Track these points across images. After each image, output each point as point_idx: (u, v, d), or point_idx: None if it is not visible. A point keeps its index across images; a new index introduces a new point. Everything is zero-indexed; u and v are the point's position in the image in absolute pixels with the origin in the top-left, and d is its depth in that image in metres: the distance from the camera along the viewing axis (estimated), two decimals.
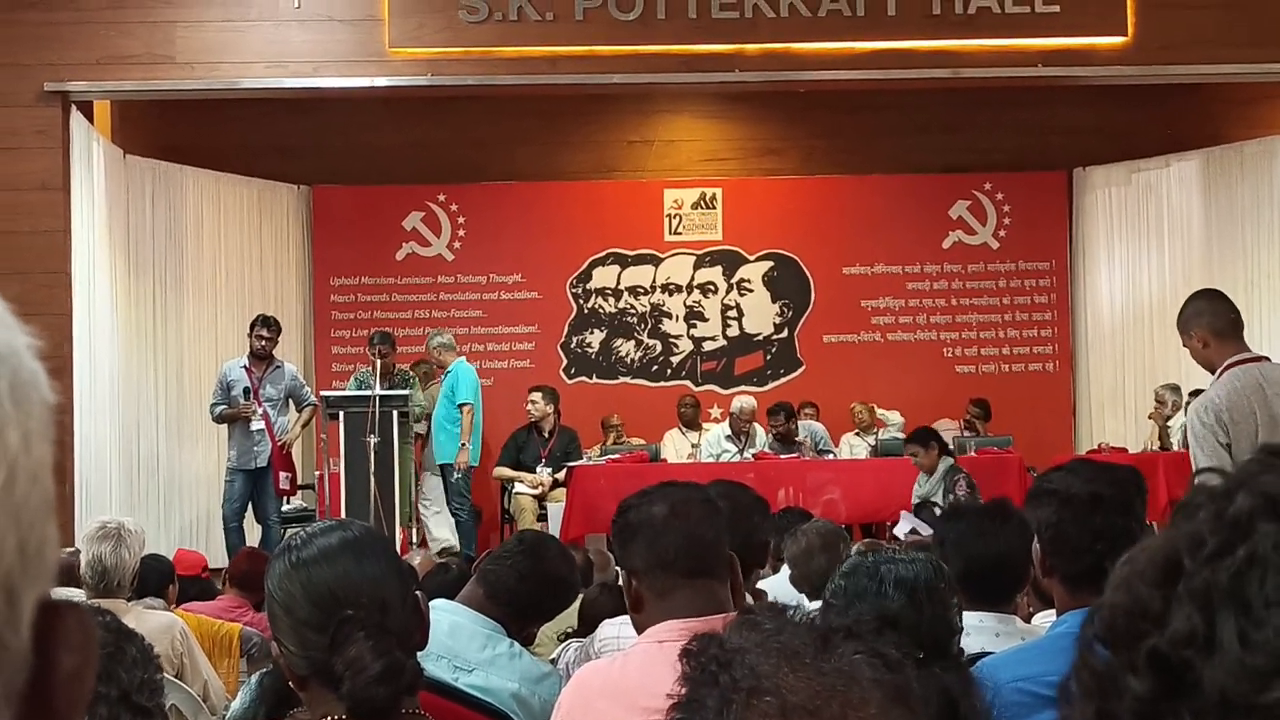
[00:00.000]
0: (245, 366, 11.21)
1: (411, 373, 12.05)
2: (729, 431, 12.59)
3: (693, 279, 14.56)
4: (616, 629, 4.17)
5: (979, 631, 3.69)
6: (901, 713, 1.26)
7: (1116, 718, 0.90)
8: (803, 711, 1.23)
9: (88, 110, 11.45)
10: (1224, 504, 0.90)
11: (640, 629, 2.85)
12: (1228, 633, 0.85)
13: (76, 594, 5.50)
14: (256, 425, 10.98)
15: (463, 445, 11.57)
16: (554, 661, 4.52)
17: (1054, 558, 3.14)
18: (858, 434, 13.24)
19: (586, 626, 5.10)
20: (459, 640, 3.72)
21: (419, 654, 2.27)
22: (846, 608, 2.60)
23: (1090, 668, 0.94)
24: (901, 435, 13.05)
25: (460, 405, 11.56)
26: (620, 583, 3.06)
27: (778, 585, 5.26)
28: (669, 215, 14.48)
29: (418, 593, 2.30)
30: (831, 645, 1.29)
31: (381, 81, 11.34)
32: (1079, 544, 3.09)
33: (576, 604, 5.10)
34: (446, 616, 3.79)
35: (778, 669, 1.26)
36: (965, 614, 3.75)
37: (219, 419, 11.32)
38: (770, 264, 14.57)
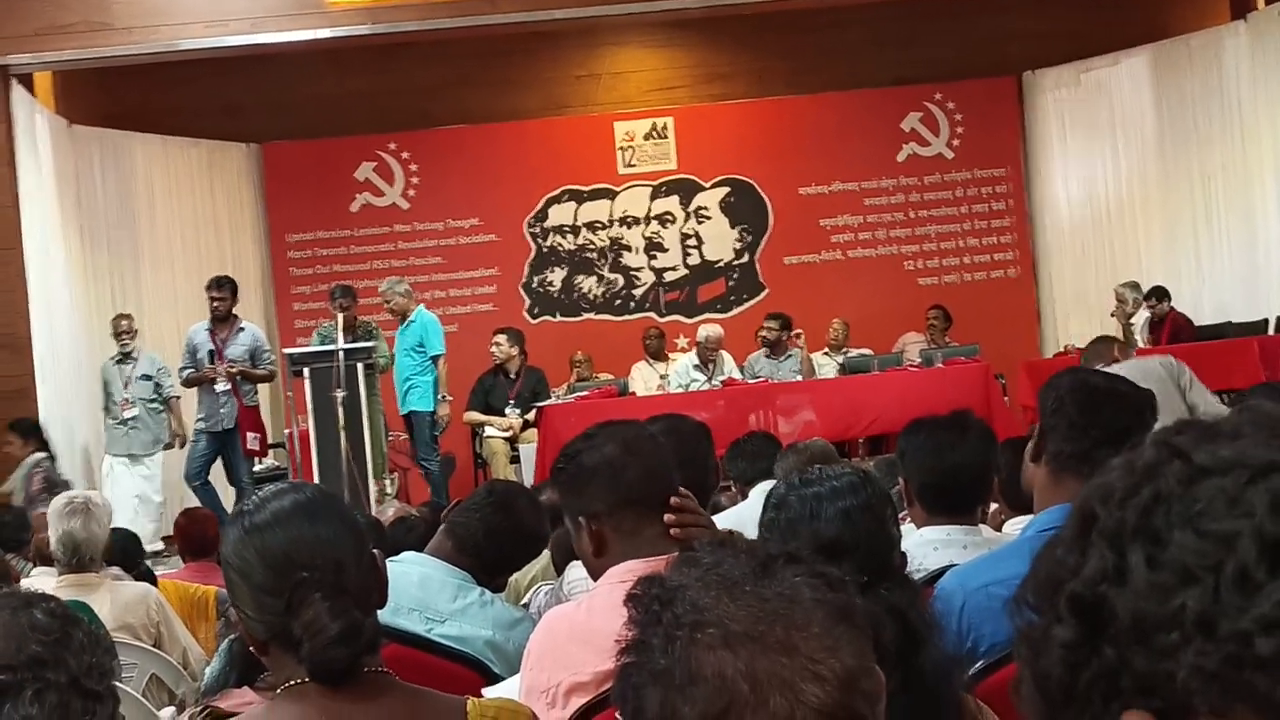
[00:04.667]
0: (209, 329, 11.16)
1: (375, 324, 12.01)
2: (696, 360, 12.56)
3: (650, 210, 14.52)
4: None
5: (946, 545, 3.68)
6: (845, 630, 1.26)
7: (1049, 675, 0.92)
8: (745, 639, 1.23)
9: (28, 82, 11.34)
10: (1133, 458, 0.94)
11: (599, 573, 2.84)
12: (1137, 561, 0.88)
13: (50, 572, 5.50)
14: (222, 386, 10.94)
15: (444, 398, 11.47)
16: (526, 606, 4.51)
17: (1050, 433, 3.11)
18: (826, 353, 13.19)
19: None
20: (429, 592, 3.72)
21: (390, 607, 2.25)
22: (783, 542, 2.56)
23: (1023, 634, 0.96)
24: (870, 352, 13.05)
25: (434, 357, 11.41)
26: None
27: (747, 514, 5.22)
28: (621, 148, 14.41)
29: (375, 550, 2.28)
30: (771, 571, 1.29)
31: (323, 33, 11.23)
32: (1078, 421, 3.07)
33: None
34: (416, 569, 3.79)
35: (718, 600, 1.26)
36: (929, 528, 3.76)
37: (186, 383, 11.28)
38: (726, 190, 14.53)
